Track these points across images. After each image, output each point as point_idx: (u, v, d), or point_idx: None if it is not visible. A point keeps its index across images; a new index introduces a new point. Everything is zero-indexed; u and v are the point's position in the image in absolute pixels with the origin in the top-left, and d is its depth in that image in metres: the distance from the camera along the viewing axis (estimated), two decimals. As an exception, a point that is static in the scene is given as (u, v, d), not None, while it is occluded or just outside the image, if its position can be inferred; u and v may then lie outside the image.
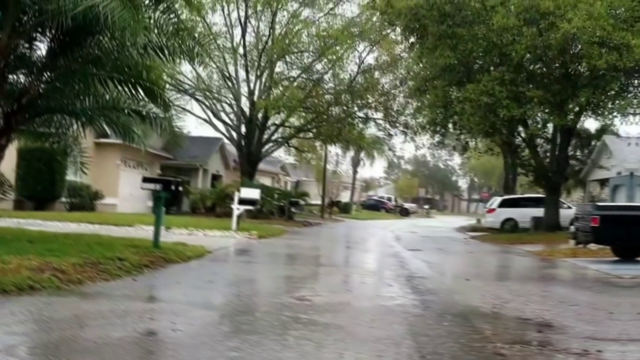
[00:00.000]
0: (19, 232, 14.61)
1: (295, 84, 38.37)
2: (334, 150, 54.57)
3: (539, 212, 30.47)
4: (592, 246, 19.17)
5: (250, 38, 38.74)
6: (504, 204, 34.97)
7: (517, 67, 26.01)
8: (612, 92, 25.65)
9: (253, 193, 25.17)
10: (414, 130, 37.25)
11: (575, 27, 22.75)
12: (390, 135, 40.96)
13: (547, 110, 27.01)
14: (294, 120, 42.18)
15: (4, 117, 13.11)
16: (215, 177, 45.26)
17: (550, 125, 29.81)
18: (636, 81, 26.55)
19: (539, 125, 29.22)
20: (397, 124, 39.42)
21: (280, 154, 51.43)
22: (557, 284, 12.97)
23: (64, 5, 11.23)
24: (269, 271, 13.47)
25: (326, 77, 39.43)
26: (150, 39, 12.85)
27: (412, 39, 30.55)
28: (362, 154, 65.39)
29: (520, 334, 7.39)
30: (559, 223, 28.69)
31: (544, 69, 27.98)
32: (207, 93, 37.88)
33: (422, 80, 30.65)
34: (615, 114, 27.00)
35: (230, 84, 38.04)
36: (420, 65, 31.48)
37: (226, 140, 42.06)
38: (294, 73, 39.57)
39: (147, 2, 13.33)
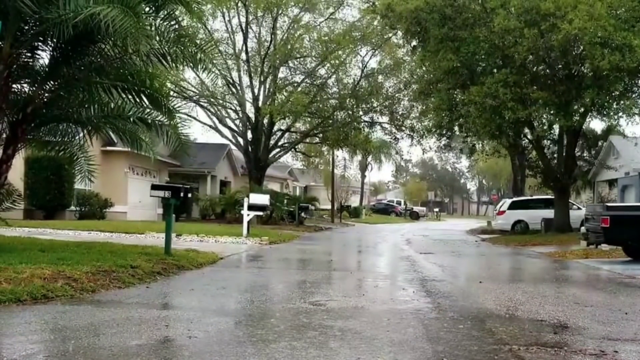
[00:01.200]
0: (30, 241, 14.67)
1: (299, 89, 38.40)
2: (341, 154, 54.64)
3: (549, 213, 30.42)
4: (604, 246, 19.19)
5: (252, 44, 39.03)
6: (513, 206, 34.87)
7: (521, 69, 25.93)
8: (617, 93, 25.58)
9: (262, 199, 25.19)
10: (420, 133, 37.10)
11: (577, 28, 22.67)
12: (396, 139, 41.00)
13: (552, 112, 26.90)
14: (300, 126, 42.26)
15: (10, 127, 13.11)
16: (224, 184, 45.37)
17: (556, 127, 29.75)
18: (640, 81, 26.59)
19: (545, 127, 29.17)
20: (403, 128, 39.38)
21: (288, 159, 51.54)
22: (571, 285, 12.91)
23: (64, 14, 11.22)
24: (282, 277, 13.45)
25: (330, 81, 39.53)
26: (152, 46, 12.79)
27: (414, 42, 30.50)
28: (370, 158, 65.51)
29: (536, 335, 7.34)
30: (570, 224, 28.68)
31: (548, 71, 27.96)
32: (212, 99, 37.98)
33: (426, 83, 30.63)
34: (620, 114, 26.94)
35: (234, 90, 38.12)
36: (424, 68, 31.41)
37: (233, 147, 42.10)
38: (298, 78, 39.74)
39: (147, 9, 13.28)
